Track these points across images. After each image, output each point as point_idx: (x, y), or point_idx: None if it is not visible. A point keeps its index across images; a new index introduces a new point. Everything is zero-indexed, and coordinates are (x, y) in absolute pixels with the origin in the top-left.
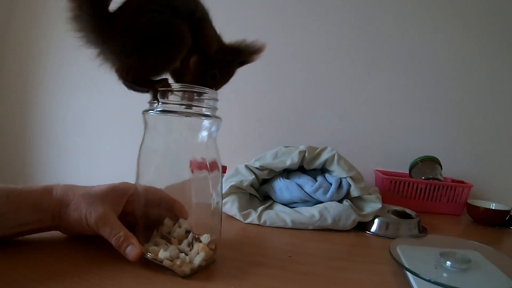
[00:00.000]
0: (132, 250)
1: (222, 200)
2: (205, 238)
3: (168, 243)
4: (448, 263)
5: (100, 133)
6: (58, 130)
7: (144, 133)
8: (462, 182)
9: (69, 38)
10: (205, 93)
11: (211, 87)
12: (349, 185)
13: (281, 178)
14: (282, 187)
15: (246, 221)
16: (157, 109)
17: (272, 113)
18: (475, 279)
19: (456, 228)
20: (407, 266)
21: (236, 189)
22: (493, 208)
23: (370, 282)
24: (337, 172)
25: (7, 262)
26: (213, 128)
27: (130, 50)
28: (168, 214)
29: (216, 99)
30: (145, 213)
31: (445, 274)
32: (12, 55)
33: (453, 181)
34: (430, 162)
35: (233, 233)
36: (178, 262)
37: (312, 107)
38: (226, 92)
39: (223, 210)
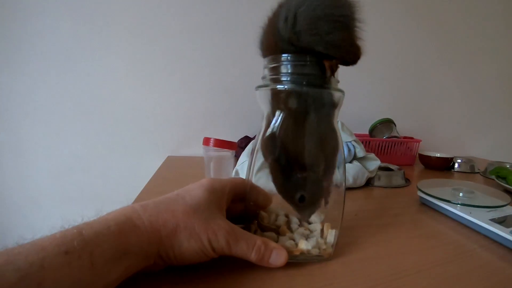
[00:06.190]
0: (279, 255)
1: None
2: (317, 218)
3: (279, 233)
4: (461, 194)
5: (30, 125)
6: None
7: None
8: (411, 138)
9: None
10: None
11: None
12: (354, 148)
13: None
14: None
15: None
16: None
17: None
18: (482, 201)
19: (419, 175)
20: (439, 196)
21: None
22: (442, 156)
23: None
24: (343, 137)
25: None
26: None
27: None
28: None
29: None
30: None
31: (462, 200)
32: None
33: (404, 137)
34: (387, 123)
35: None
36: (323, 246)
37: None
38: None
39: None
